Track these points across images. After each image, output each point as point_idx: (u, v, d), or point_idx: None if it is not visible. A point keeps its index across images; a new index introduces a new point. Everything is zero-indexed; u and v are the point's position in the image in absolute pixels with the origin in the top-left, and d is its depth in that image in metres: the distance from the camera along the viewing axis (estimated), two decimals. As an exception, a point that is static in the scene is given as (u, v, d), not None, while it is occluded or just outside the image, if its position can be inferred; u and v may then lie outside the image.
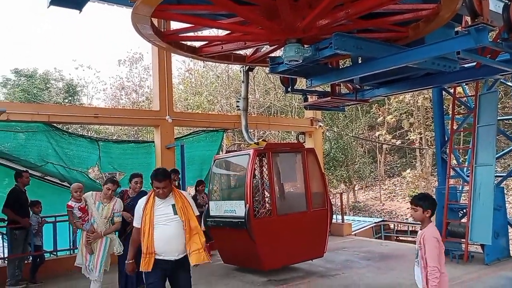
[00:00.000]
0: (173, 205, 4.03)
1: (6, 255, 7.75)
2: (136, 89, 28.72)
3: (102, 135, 22.83)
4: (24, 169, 7.94)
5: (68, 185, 9.40)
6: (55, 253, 8.26)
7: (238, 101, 8.76)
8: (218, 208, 7.45)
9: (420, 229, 3.64)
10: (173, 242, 3.98)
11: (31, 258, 7.62)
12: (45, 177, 9.31)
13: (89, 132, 23.45)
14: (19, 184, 7.33)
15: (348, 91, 8.21)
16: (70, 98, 27.80)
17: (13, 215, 7.15)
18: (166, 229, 3.97)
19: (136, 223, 4.15)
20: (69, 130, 11.46)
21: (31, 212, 7.40)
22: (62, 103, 24.82)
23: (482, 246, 7.63)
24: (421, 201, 3.60)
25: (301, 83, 11.96)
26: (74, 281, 7.33)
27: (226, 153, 9.03)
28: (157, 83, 9.76)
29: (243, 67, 7.67)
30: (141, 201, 4.15)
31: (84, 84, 29.81)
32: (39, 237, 7.49)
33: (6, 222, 7.47)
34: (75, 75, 43.86)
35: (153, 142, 10.05)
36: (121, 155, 9.91)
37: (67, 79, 28.62)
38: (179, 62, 26.59)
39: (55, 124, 8.95)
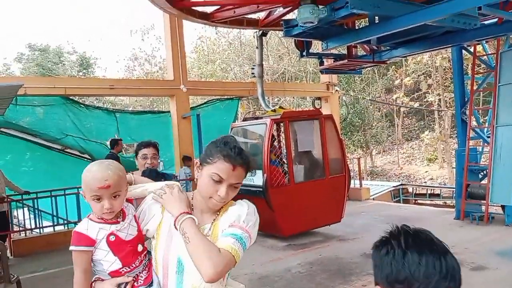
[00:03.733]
0: None
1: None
2: (149, 59, 28.63)
3: (118, 107, 22.97)
4: (119, 137, 8.42)
5: (89, 158, 9.57)
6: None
7: (253, 68, 8.66)
8: (236, 176, 7.50)
9: None
10: None
11: None
12: (65, 150, 9.48)
13: (105, 104, 23.62)
14: (114, 151, 7.93)
15: (365, 53, 8.02)
16: (84, 71, 27.90)
17: None
18: None
19: None
20: (85, 103, 11.54)
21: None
22: (77, 76, 24.95)
23: (503, 207, 7.56)
24: None
25: (316, 47, 11.73)
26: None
27: (242, 120, 9.01)
28: (170, 52, 9.68)
29: (256, 32, 7.54)
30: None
31: (97, 57, 29.83)
32: None
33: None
34: (87, 47, 43.87)
35: (169, 112, 10.08)
36: (138, 126, 9.99)
37: (79, 52, 28.66)
38: (191, 30, 26.35)
39: (71, 97, 9.03)
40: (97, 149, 9.42)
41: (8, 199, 7.25)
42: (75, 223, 8.31)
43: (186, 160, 9.09)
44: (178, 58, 9.63)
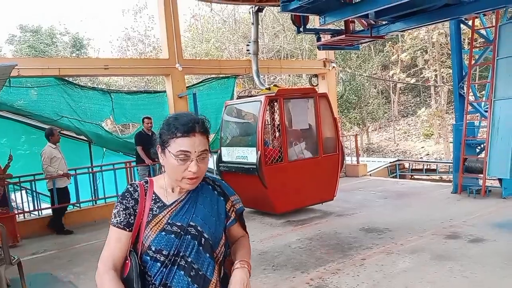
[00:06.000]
0: None
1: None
2: (142, 39, 28.27)
3: (112, 87, 22.75)
4: (149, 115, 8.53)
5: (85, 139, 9.49)
6: (78, 205, 8.49)
7: (248, 45, 8.55)
8: (230, 154, 7.52)
9: None
10: None
11: None
12: (62, 132, 9.38)
13: (99, 85, 23.38)
14: (144, 129, 8.38)
15: (362, 28, 7.91)
16: (78, 52, 27.52)
17: (142, 152, 8.21)
18: None
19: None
20: (80, 84, 11.41)
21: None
22: (70, 57, 24.62)
23: (500, 180, 7.62)
24: None
25: (313, 23, 11.58)
26: (98, 230, 7.59)
27: (237, 98, 8.94)
28: (164, 30, 9.52)
29: (252, 7, 7.42)
30: None
31: (90, 38, 29.42)
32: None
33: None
34: (80, 28, 43.21)
35: (165, 92, 9.99)
36: (134, 106, 9.90)
37: (72, 33, 28.21)
38: (184, 8, 25.98)
39: (66, 78, 8.91)
40: (93, 130, 9.35)
41: (6, 182, 7.22)
42: (74, 205, 8.32)
43: None
44: (172, 36, 9.48)
